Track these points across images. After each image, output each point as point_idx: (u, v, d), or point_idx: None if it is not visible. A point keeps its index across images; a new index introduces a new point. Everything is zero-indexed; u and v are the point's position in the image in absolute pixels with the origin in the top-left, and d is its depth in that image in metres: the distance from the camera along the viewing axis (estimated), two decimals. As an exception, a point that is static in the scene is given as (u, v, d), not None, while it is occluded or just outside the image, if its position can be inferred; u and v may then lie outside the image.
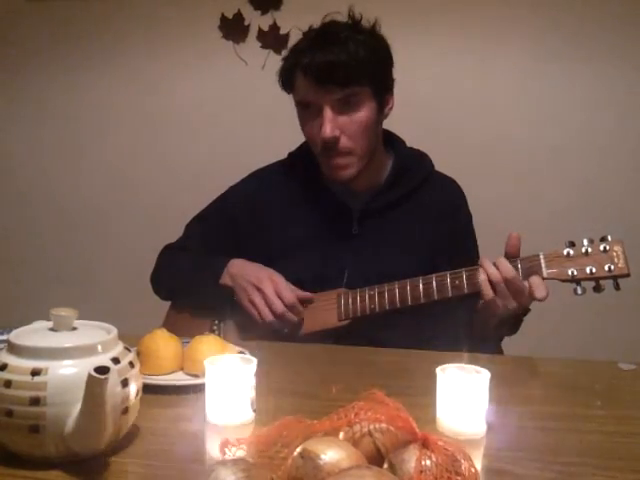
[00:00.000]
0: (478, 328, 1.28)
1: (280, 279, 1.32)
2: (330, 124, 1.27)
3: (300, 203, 1.43)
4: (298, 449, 0.63)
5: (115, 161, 2.63)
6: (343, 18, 1.34)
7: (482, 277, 1.18)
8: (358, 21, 1.33)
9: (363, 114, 1.30)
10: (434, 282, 1.24)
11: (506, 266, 1.17)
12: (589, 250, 1.16)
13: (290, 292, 1.30)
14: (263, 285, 1.30)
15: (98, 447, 0.72)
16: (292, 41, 1.39)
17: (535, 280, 1.15)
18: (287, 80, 1.35)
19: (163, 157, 2.58)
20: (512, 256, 1.20)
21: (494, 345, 1.33)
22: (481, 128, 2.33)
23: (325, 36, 1.31)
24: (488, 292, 1.17)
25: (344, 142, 1.30)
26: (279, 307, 1.29)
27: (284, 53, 1.38)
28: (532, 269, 1.17)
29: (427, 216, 1.41)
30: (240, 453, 0.71)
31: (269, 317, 1.30)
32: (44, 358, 0.72)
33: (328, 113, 1.28)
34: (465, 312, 1.29)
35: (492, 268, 1.17)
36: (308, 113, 1.32)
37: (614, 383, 1.07)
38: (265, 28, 2.44)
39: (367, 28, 1.33)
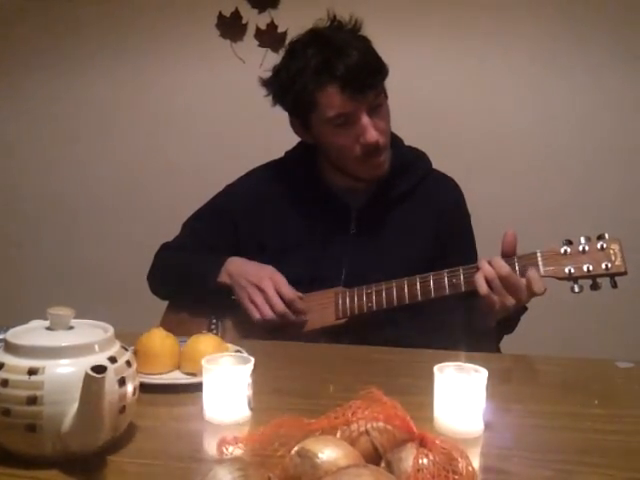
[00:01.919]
0: (477, 327, 1.28)
1: (280, 277, 1.32)
2: (372, 129, 1.28)
3: (298, 201, 1.43)
4: (295, 448, 0.63)
5: (113, 160, 2.62)
6: (323, 23, 1.33)
7: (478, 275, 1.18)
8: (343, 23, 1.32)
9: (386, 109, 1.33)
10: (431, 280, 1.24)
11: (500, 263, 1.17)
12: (586, 248, 1.16)
13: (290, 290, 1.30)
14: (264, 284, 1.30)
15: (95, 446, 0.72)
16: (290, 39, 1.38)
17: (533, 275, 1.15)
18: (308, 102, 1.29)
19: (160, 155, 2.57)
20: (508, 254, 1.20)
21: (492, 344, 1.33)
22: (479, 128, 2.33)
23: (336, 43, 1.28)
24: (483, 287, 1.17)
25: (382, 140, 1.31)
26: (280, 306, 1.29)
27: (281, 52, 1.37)
28: (529, 267, 1.17)
29: (425, 215, 1.41)
30: (237, 452, 0.71)
31: (271, 316, 1.29)
32: (41, 357, 0.72)
33: (366, 119, 1.28)
34: (463, 311, 1.29)
35: (487, 266, 1.18)
36: (342, 124, 1.29)
37: (611, 381, 1.07)
38: (263, 27, 2.44)
39: (355, 28, 1.32)
